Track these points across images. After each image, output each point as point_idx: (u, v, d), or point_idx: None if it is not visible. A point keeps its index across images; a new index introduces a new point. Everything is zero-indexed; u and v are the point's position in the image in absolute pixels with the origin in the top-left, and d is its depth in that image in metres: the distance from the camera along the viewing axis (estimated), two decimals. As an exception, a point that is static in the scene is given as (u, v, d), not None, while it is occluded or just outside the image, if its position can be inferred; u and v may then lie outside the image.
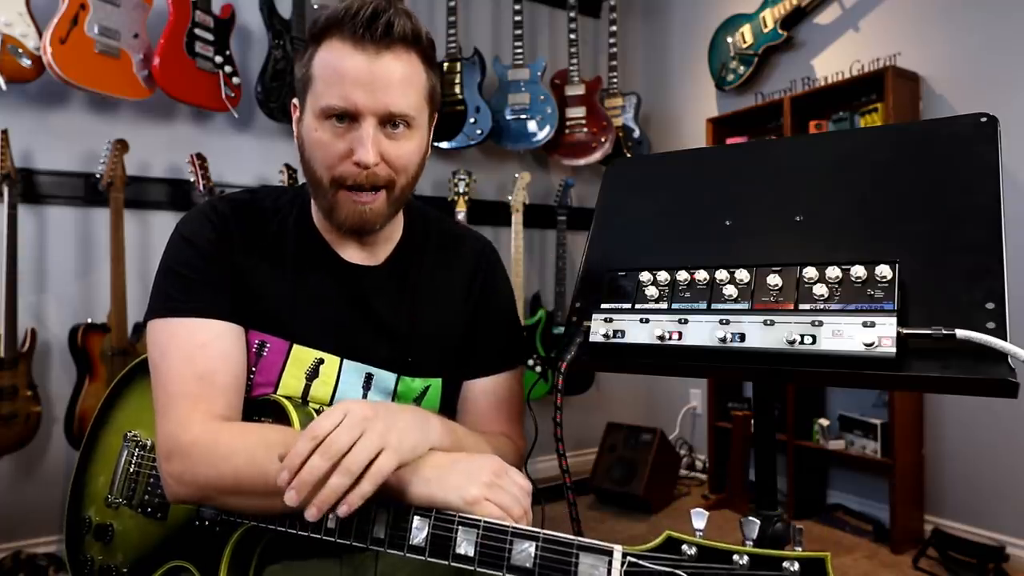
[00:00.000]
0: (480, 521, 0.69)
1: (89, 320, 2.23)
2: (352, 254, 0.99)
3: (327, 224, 0.98)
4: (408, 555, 0.71)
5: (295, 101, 0.93)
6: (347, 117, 0.85)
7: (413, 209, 1.06)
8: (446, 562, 0.69)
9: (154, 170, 2.49)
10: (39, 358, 2.22)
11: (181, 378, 0.84)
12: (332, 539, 0.75)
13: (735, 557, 0.59)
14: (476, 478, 0.73)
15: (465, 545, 0.69)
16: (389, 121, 0.86)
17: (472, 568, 0.68)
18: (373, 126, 0.85)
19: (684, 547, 0.61)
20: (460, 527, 0.70)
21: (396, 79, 0.85)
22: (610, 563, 0.62)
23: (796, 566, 0.57)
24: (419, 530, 0.71)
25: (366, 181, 0.87)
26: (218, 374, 0.86)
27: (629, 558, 0.62)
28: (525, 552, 0.66)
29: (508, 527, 0.68)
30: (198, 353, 0.86)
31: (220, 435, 0.82)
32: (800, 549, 0.60)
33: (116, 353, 2.20)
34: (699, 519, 0.64)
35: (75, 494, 1.02)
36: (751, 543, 0.62)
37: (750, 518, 0.63)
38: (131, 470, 0.97)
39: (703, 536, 0.62)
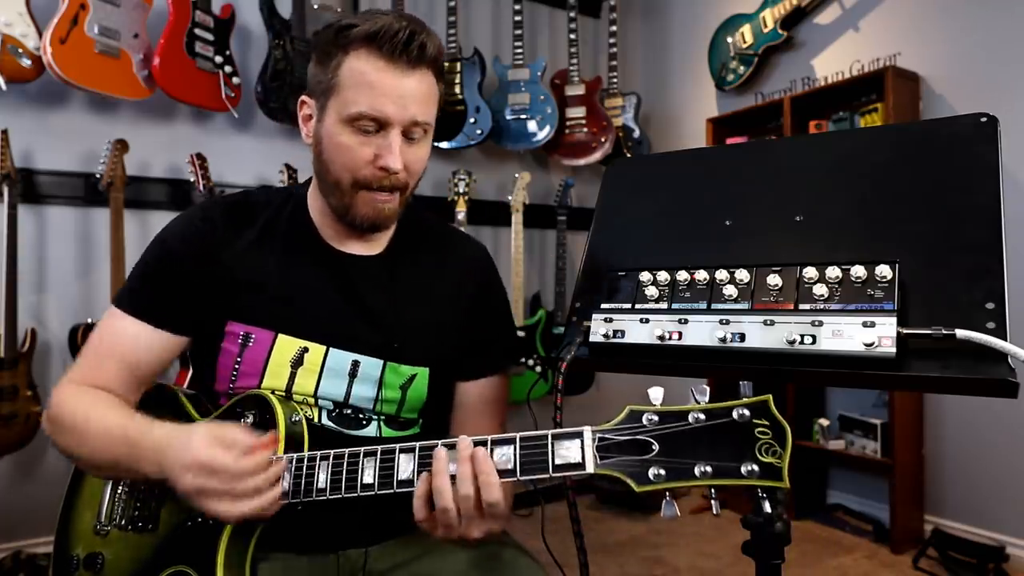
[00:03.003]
0: (459, 441, 0.75)
1: (89, 320, 2.23)
2: (348, 246, 1.02)
3: (325, 219, 1.01)
4: (398, 491, 0.76)
5: (308, 99, 0.97)
6: (374, 125, 0.90)
7: (409, 208, 1.08)
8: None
9: (154, 170, 2.49)
10: (39, 358, 2.22)
11: (90, 350, 0.97)
12: (324, 497, 0.80)
13: (691, 416, 0.69)
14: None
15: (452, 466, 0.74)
16: (410, 130, 0.92)
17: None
18: (399, 135, 0.90)
19: (645, 416, 0.71)
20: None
21: (422, 94, 0.92)
22: (582, 441, 0.71)
23: (745, 411, 0.67)
24: (405, 466, 0.77)
25: (388, 184, 0.93)
26: (114, 363, 0.94)
27: (598, 434, 0.71)
28: (505, 456, 0.73)
29: (486, 438, 0.74)
30: (113, 340, 0.96)
31: (79, 414, 0.90)
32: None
33: (116, 353, 2.20)
34: (656, 394, 0.72)
35: (61, 536, 0.98)
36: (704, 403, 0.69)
37: (702, 385, 0.71)
38: (118, 491, 0.96)
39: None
